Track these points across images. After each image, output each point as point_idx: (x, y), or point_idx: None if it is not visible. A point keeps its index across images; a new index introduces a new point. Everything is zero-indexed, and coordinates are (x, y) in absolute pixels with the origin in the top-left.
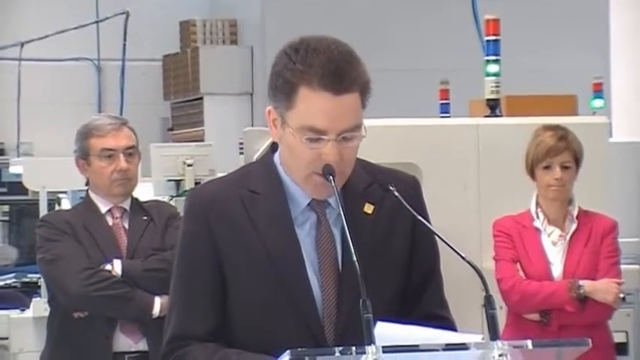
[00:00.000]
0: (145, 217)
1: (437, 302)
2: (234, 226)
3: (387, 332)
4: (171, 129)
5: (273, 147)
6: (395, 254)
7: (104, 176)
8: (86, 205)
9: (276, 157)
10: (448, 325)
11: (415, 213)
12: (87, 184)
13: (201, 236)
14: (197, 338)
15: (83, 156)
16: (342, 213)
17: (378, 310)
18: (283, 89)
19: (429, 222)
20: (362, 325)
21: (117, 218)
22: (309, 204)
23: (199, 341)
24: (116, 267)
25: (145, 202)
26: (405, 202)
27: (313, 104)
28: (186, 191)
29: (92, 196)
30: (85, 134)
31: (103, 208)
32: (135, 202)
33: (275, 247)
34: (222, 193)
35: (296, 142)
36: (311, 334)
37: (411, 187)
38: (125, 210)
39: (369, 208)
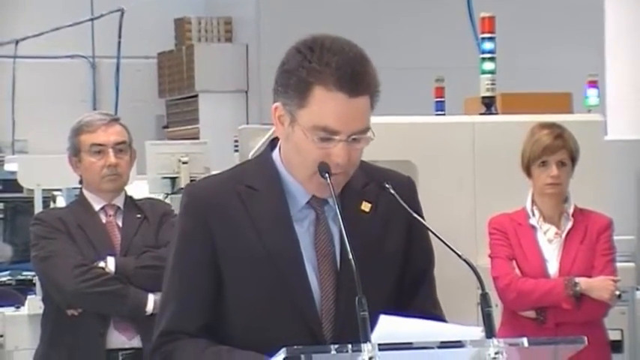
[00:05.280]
0: (139, 215)
1: (431, 301)
2: (232, 223)
3: (389, 326)
4: (166, 126)
5: (272, 144)
6: (391, 252)
7: (94, 172)
8: (80, 203)
9: (275, 154)
10: None
11: (411, 211)
12: (80, 182)
13: (198, 234)
14: (188, 333)
15: (75, 153)
16: (338, 213)
17: (376, 307)
18: (297, 87)
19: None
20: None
21: (110, 216)
22: (308, 202)
23: (190, 336)
24: (109, 264)
25: (139, 199)
26: (400, 200)
27: (328, 104)
28: (181, 189)
29: (86, 194)
30: (77, 131)
31: (97, 205)
32: (129, 199)
33: (274, 245)
34: (219, 189)
35: (305, 140)
36: (309, 330)
37: (406, 186)
38: (119, 208)
39: (366, 206)
